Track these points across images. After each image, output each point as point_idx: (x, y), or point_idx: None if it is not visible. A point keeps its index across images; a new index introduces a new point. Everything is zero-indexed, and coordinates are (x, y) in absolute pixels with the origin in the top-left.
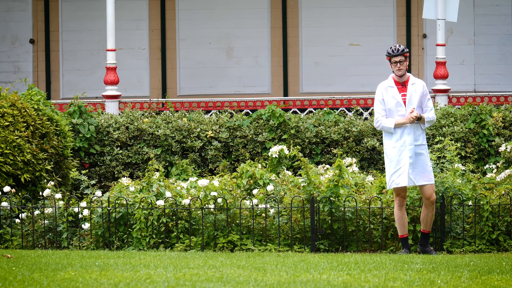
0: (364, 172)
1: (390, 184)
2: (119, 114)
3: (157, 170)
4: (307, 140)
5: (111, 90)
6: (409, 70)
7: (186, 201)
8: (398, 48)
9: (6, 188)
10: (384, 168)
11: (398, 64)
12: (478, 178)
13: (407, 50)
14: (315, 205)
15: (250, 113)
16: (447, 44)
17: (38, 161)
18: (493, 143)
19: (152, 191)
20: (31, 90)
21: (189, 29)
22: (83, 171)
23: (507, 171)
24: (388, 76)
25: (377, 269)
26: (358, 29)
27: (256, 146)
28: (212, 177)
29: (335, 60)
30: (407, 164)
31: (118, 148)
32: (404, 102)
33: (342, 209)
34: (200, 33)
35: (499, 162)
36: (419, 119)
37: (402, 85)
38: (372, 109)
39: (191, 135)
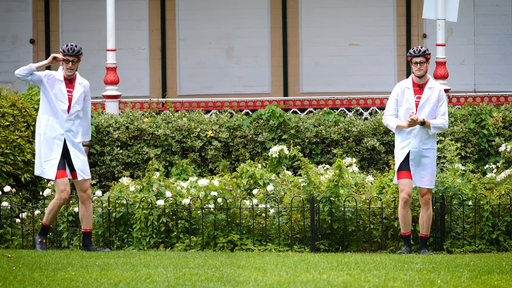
0: (364, 172)
1: (394, 179)
2: (119, 114)
3: (157, 170)
4: (307, 140)
5: (111, 90)
6: (409, 70)
7: (186, 201)
8: (420, 49)
9: (7, 188)
10: (384, 168)
11: (419, 65)
12: (478, 178)
13: (429, 52)
14: (315, 205)
15: (250, 113)
16: (447, 44)
17: None
18: (493, 143)
19: (152, 191)
20: (31, 90)
21: (189, 29)
22: None
23: (507, 171)
24: (408, 76)
25: (377, 269)
26: (358, 29)
27: (256, 146)
28: (212, 177)
29: (335, 60)
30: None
31: (118, 148)
32: (417, 106)
33: (342, 209)
34: (200, 33)
35: (499, 162)
36: (422, 124)
37: (419, 87)
38: (372, 109)
39: (191, 135)
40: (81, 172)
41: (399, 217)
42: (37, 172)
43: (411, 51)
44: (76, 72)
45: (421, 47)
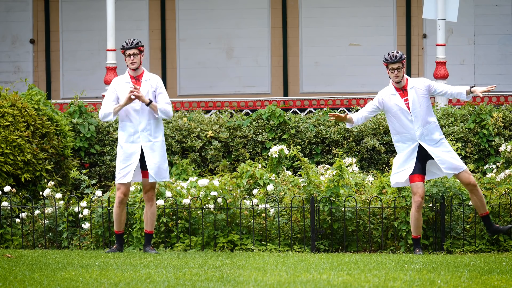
0: (364, 172)
1: (392, 183)
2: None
3: None
4: (307, 140)
5: None
6: (409, 70)
7: (186, 201)
8: (396, 55)
9: (7, 188)
10: (384, 168)
11: (396, 71)
12: (478, 178)
13: (405, 56)
14: (315, 205)
15: (250, 113)
16: (447, 44)
17: (38, 161)
18: (493, 143)
19: None
20: (31, 90)
21: (189, 29)
22: (84, 171)
23: (507, 171)
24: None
25: (377, 269)
26: (358, 29)
27: (256, 146)
28: (212, 177)
29: (335, 60)
30: (412, 167)
31: None
32: (408, 108)
33: (342, 209)
34: (200, 33)
35: (499, 162)
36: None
37: (402, 90)
38: None
39: (191, 135)
40: (153, 173)
41: (412, 220)
42: (116, 181)
43: (387, 57)
44: (144, 69)
45: (397, 52)
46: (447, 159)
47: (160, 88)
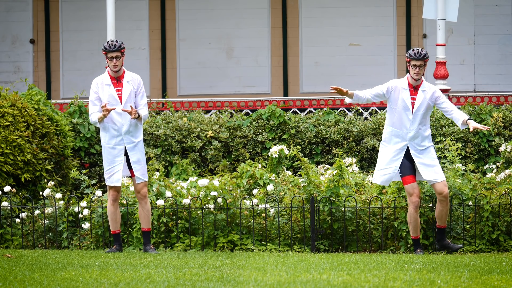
0: (364, 172)
1: (376, 179)
2: None
3: (157, 170)
4: (307, 140)
5: None
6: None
7: (186, 201)
8: (420, 53)
9: (7, 188)
10: None
11: (418, 68)
12: (478, 178)
13: (428, 56)
14: (315, 205)
15: (250, 113)
16: (447, 44)
17: (38, 161)
18: (493, 143)
19: (152, 190)
20: (31, 90)
21: (189, 29)
22: (84, 171)
23: (507, 171)
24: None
25: (377, 269)
26: (358, 29)
27: (256, 146)
28: (212, 177)
29: (335, 60)
30: (397, 167)
31: None
32: (413, 106)
33: (342, 209)
34: (200, 33)
35: (499, 162)
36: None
37: (414, 88)
38: (372, 109)
39: (191, 135)
40: (139, 175)
41: (412, 221)
42: (106, 182)
43: (411, 52)
44: (124, 68)
45: (422, 50)
46: (428, 168)
47: (140, 89)
